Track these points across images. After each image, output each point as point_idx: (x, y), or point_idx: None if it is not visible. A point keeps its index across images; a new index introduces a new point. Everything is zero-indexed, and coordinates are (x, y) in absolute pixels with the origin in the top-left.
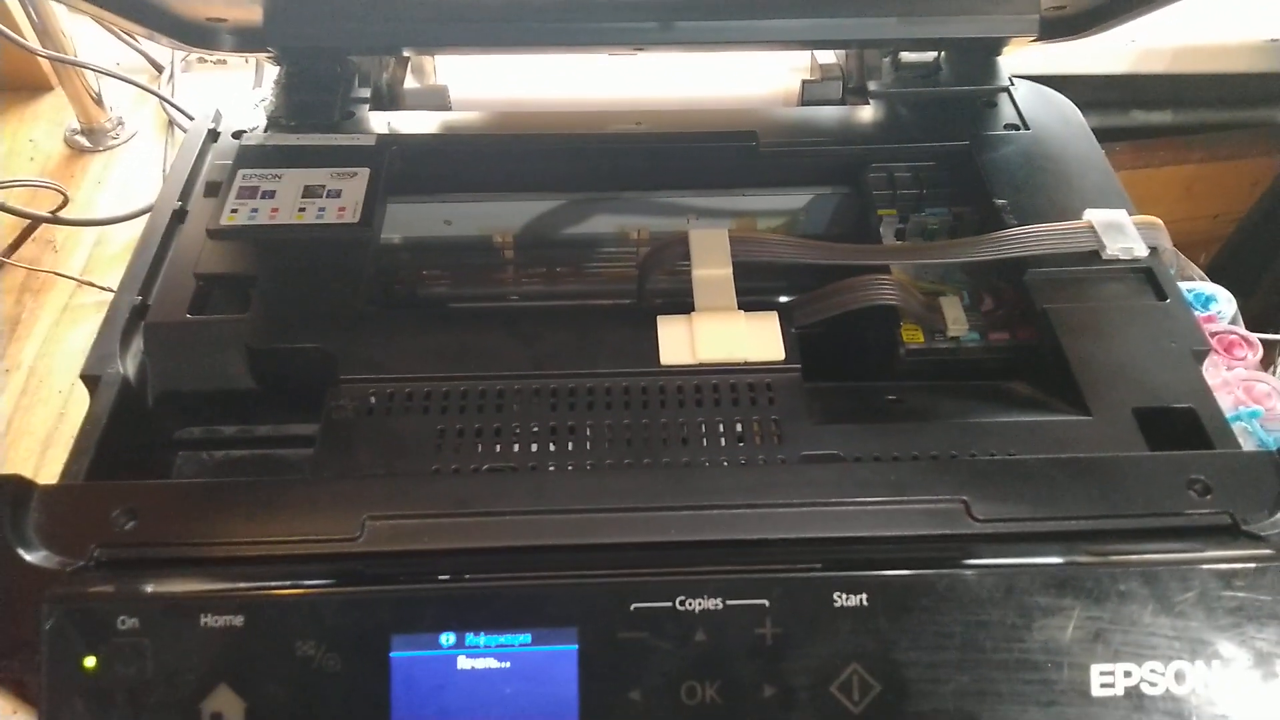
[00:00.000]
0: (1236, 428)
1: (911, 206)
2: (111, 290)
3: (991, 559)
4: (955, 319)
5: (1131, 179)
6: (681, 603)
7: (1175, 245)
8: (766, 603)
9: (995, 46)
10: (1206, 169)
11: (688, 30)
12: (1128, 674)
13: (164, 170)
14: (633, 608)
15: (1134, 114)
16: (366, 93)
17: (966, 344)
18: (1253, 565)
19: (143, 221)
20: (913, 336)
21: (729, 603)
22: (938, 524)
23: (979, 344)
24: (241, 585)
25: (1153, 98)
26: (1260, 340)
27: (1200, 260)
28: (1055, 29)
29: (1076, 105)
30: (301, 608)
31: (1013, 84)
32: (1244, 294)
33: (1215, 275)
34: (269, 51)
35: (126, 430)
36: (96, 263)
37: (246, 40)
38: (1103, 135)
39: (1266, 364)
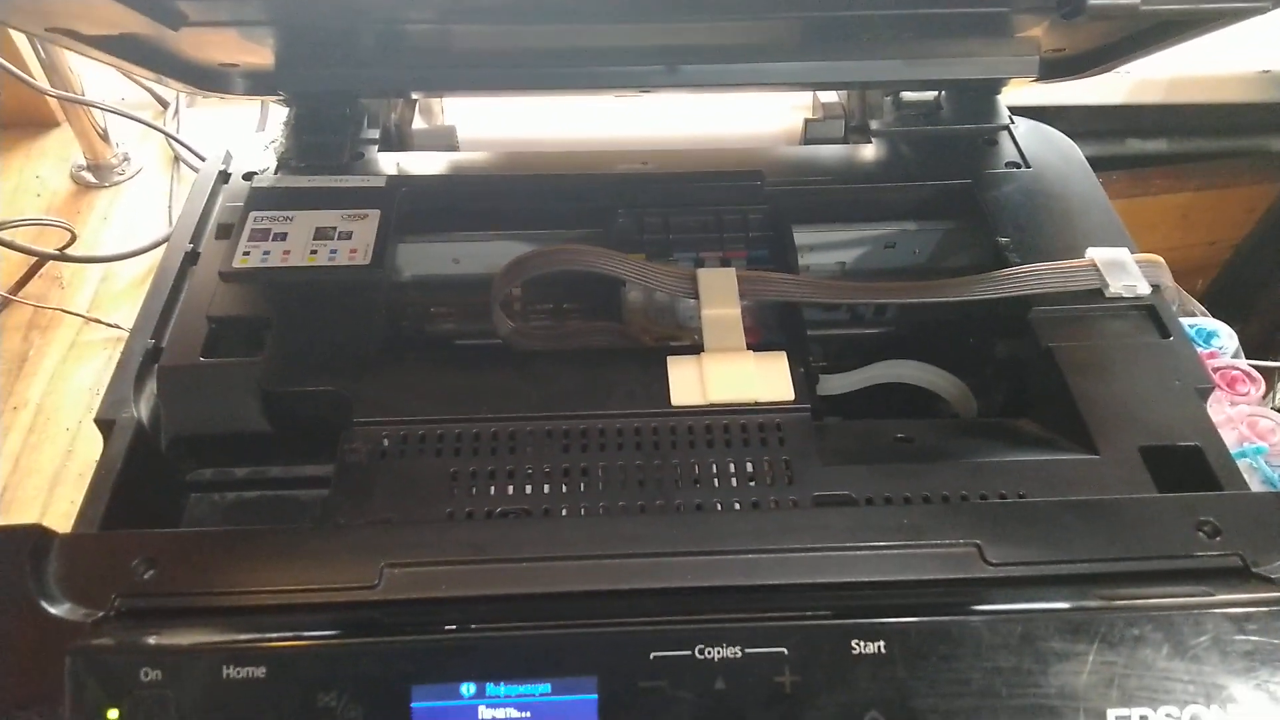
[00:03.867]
0: (1241, 464)
1: None
2: (118, 327)
3: (1006, 604)
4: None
5: (1129, 207)
6: (701, 651)
7: (1173, 271)
8: (785, 650)
9: (996, 86)
10: (1202, 196)
11: (693, 74)
12: (1143, 718)
13: (170, 205)
14: (652, 656)
15: (1130, 143)
16: (375, 134)
17: None
18: (1265, 609)
19: (149, 258)
20: None
21: (748, 651)
22: (952, 568)
23: None
24: (262, 636)
25: (1149, 127)
26: (1259, 369)
27: (1198, 286)
28: (1055, 70)
29: (1074, 134)
30: (322, 659)
31: (1013, 122)
32: (1242, 319)
33: (1213, 301)
34: (279, 95)
35: (140, 474)
36: (103, 299)
37: (257, 84)
38: (1100, 164)
39: (1267, 390)
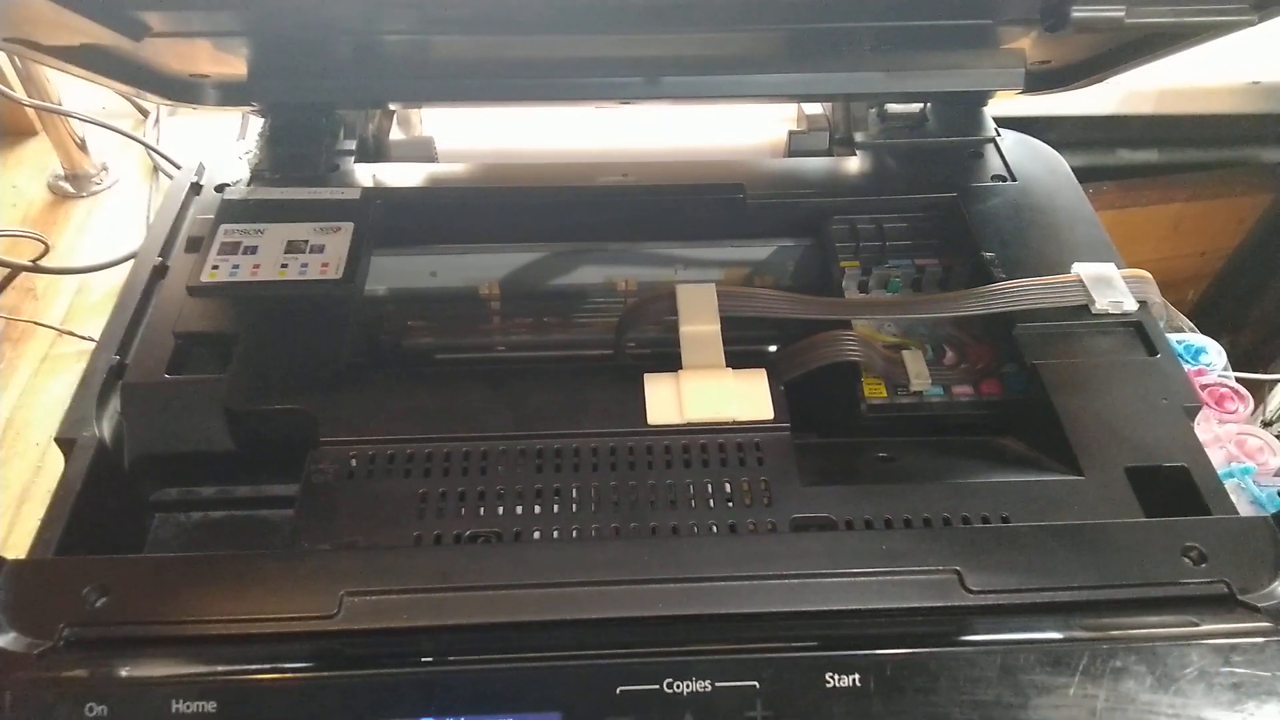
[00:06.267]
0: (1229, 484)
1: (875, 259)
2: (92, 340)
3: (986, 634)
4: (918, 373)
5: (1119, 217)
6: (669, 685)
7: (1163, 282)
8: (757, 684)
9: (982, 98)
10: (1193, 207)
11: (674, 85)
12: None
13: (148, 217)
14: (619, 690)
15: (1120, 153)
16: (352, 144)
17: (930, 398)
18: (1251, 640)
19: (124, 270)
20: (875, 391)
21: (718, 685)
22: (931, 596)
23: (942, 399)
24: (214, 669)
25: (1139, 137)
26: (1249, 382)
27: (1189, 297)
28: (1040, 82)
29: (1063, 145)
30: (276, 693)
31: (999, 134)
32: (1232, 330)
33: (1203, 313)
34: (253, 105)
35: (102, 494)
36: (78, 311)
37: (230, 95)
38: (1090, 174)
39: (1257, 405)
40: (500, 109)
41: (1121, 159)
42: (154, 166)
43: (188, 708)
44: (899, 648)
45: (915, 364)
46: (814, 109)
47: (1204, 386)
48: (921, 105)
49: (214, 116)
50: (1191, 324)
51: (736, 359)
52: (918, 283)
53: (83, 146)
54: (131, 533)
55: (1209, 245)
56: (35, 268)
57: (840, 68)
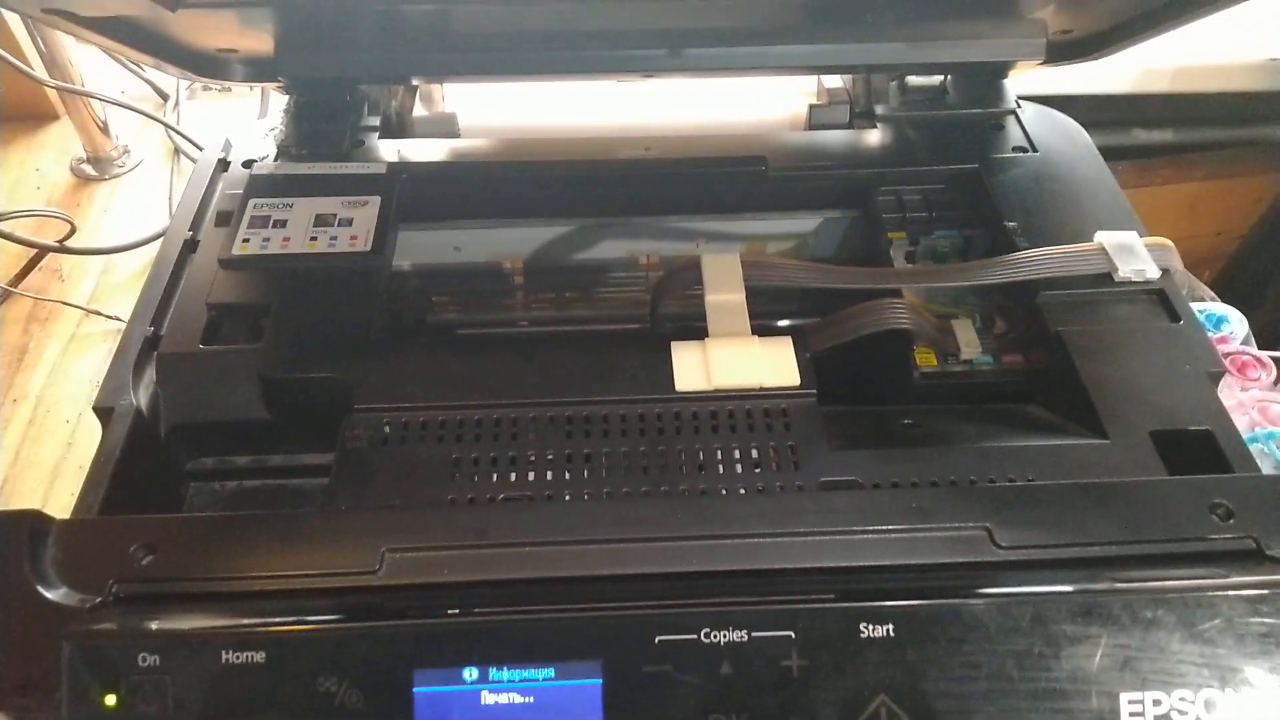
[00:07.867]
0: (1253, 449)
1: (921, 229)
2: (118, 319)
3: (1017, 587)
4: (968, 342)
5: (1134, 198)
6: (706, 635)
7: None
8: (792, 634)
9: (1002, 70)
10: (1208, 187)
11: (696, 57)
12: (1157, 702)
13: (170, 198)
14: (657, 640)
15: (1135, 133)
16: (376, 121)
17: (980, 366)
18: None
19: (149, 250)
20: (926, 360)
21: (754, 634)
22: (962, 551)
23: (992, 367)
24: (262, 621)
25: (1154, 116)
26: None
27: (1204, 278)
28: (1062, 53)
29: (1078, 124)
30: (322, 643)
31: (1019, 106)
32: (1248, 311)
33: (1219, 293)
34: (279, 81)
35: (139, 462)
36: (103, 291)
37: (257, 70)
38: (1104, 154)
39: (1278, 378)
40: (522, 85)
41: (1137, 138)
42: (174, 149)
43: (238, 657)
44: (931, 599)
45: (965, 332)
46: (834, 83)
47: (1226, 355)
48: (942, 78)
49: (232, 101)
50: (1213, 294)
51: (757, 334)
52: (965, 253)
53: (104, 130)
54: (168, 501)
55: (1225, 225)
56: (62, 248)
57: (861, 38)
